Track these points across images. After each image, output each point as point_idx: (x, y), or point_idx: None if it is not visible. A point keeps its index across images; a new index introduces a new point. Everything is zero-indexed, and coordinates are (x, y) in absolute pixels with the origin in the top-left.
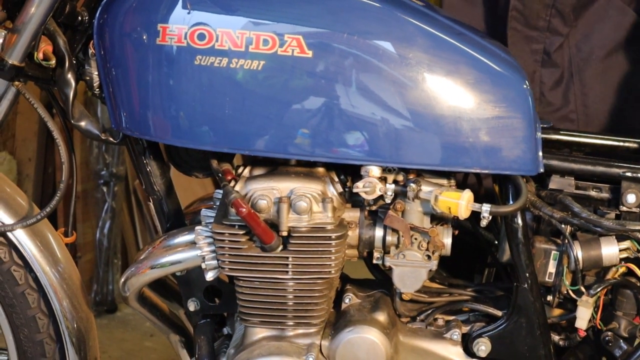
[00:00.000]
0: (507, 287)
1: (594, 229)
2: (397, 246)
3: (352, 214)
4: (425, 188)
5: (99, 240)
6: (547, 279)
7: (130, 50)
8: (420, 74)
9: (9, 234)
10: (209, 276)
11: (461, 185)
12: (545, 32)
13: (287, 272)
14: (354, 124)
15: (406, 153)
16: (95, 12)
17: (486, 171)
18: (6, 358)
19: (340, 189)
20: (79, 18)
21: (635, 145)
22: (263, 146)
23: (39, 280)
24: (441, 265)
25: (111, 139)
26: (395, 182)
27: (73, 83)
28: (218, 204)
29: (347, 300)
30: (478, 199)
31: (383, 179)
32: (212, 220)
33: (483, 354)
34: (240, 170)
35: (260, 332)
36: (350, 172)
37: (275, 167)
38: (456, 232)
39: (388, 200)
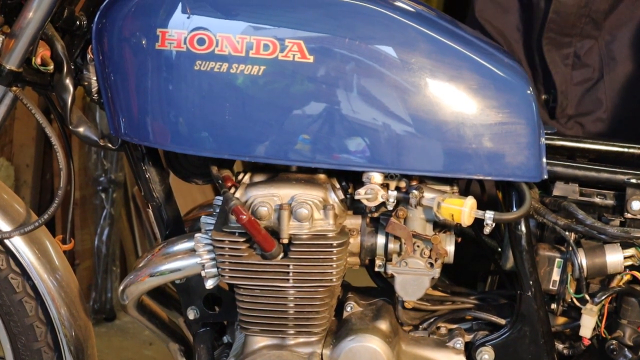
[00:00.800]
0: (510, 295)
1: (599, 236)
2: (399, 254)
3: (353, 221)
4: (428, 195)
5: (97, 247)
6: (551, 287)
7: (129, 55)
8: (422, 79)
9: (6, 241)
10: (209, 284)
11: (464, 192)
12: (577, 37)
13: (288, 280)
14: (355, 130)
15: (408, 159)
16: (93, 17)
17: (489, 178)
18: None
19: (342, 196)
20: (77, 23)
21: None
22: (263, 152)
23: (37, 288)
24: (444, 273)
25: (110, 145)
26: (397, 188)
27: (71, 88)
28: (218, 211)
29: (348, 309)
30: (481, 205)
31: (385, 186)
32: (211, 228)
33: None
34: (240, 176)
35: (260, 341)
36: (351, 179)
37: (275, 173)
38: (459, 240)
39: (390, 207)
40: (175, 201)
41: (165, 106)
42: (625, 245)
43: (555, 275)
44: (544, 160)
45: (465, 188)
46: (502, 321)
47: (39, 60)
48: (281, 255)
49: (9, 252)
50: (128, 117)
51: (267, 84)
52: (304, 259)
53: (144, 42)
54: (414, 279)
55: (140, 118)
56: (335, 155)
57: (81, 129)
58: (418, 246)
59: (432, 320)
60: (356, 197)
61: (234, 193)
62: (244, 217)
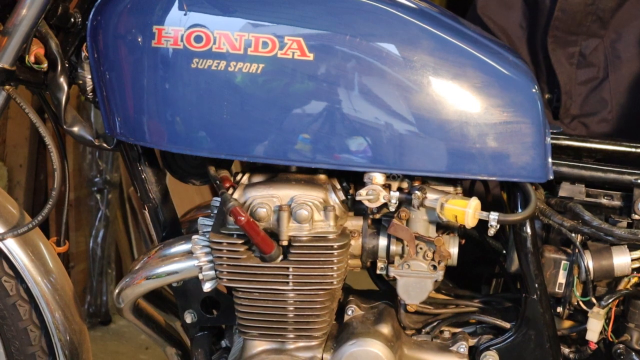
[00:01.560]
0: (515, 298)
1: (605, 238)
2: (401, 256)
3: (354, 223)
4: (431, 196)
5: (92, 249)
6: (556, 290)
7: (124, 53)
8: (425, 77)
9: None
10: (207, 287)
11: (468, 193)
12: (583, 36)
13: (287, 282)
14: (356, 129)
15: (411, 159)
16: (88, 14)
17: (494, 178)
18: None
19: (343, 197)
20: (72, 20)
21: None
22: (262, 152)
23: (31, 291)
24: (447, 276)
25: (105, 144)
26: (399, 189)
27: (65, 87)
28: (216, 212)
29: (349, 312)
30: (485, 207)
31: (387, 187)
32: (209, 229)
33: None
34: (238, 177)
35: (259, 345)
36: (352, 179)
37: (275, 174)
38: (463, 242)
39: (392, 209)
40: (172, 202)
41: (162, 105)
42: (632, 247)
43: (561, 278)
44: (550, 160)
45: (469, 189)
46: (507, 325)
47: (32, 59)
48: (280, 257)
49: (2, 255)
50: (124, 117)
51: (266, 82)
52: (304, 262)
53: (139, 39)
54: (416, 281)
55: (136, 117)
56: (336, 155)
57: (76, 129)
58: (421, 248)
59: (435, 323)
60: (357, 198)
61: (232, 194)
62: (243, 218)
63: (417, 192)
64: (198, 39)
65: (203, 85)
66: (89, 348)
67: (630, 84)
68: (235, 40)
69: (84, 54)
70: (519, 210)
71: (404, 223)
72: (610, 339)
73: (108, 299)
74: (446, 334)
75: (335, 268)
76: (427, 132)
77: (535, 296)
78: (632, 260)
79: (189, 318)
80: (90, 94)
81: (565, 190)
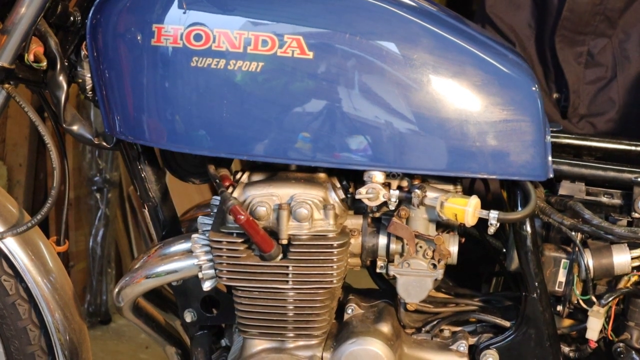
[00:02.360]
0: (515, 297)
1: (606, 237)
2: (401, 254)
3: (354, 221)
4: (431, 194)
5: (92, 248)
6: (557, 288)
7: (124, 52)
8: (425, 75)
9: None
10: (206, 286)
11: (468, 191)
12: (591, 35)
13: (287, 281)
14: (356, 127)
15: (411, 158)
16: (87, 13)
17: (494, 176)
18: None
19: (343, 196)
20: (71, 18)
21: None
22: (262, 151)
23: (30, 291)
24: (447, 275)
25: (104, 143)
26: (399, 188)
27: (65, 86)
28: (215, 211)
29: (349, 311)
30: (485, 205)
31: (387, 185)
32: (209, 228)
33: None
34: (238, 176)
35: (259, 344)
36: (352, 178)
37: (274, 172)
38: (463, 240)
39: (392, 207)
40: (172, 201)
41: (162, 104)
42: (632, 245)
43: (561, 277)
44: (550, 158)
45: (469, 187)
46: (507, 323)
47: (31, 57)
48: (280, 256)
49: (1, 254)
50: (123, 115)
51: (265, 80)
52: (304, 260)
53: (139, 38)
54: (416, 280)
55: (136, 116)
56: (336, 154)
57: (75, 128)
58: (421, 247)
59: (435, 322)
60: (357, 196)
61: (232, 193)
62: (242, 217)
63: (417, 190)
64: (197, 37)
65: (202, 83)
66: (89, 347)
67: (638, 85)
68: (234, 38)
69: (83, 52)
70: (519, 208)
71: (403, 222)
72: (611, 338)
73: (108, 298)
74: (446, 333)
75: (335, 267)
76: (427, 131)
77: (535, 295)
78: (632, 258)
79: (188, 317)
80: (90, 92)
81: (565, 188)
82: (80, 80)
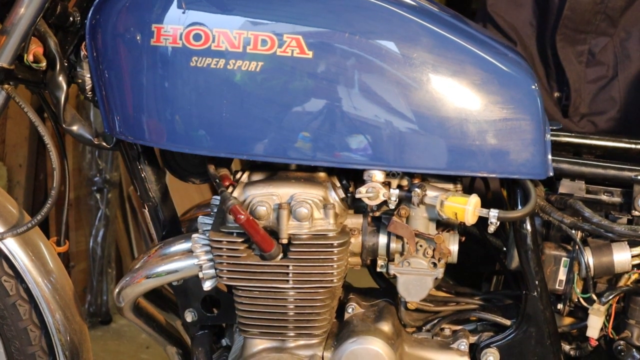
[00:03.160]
0: (516, 295)
1: (606, 235)
2: (401, 253)
3: (354, 221)
4: (431, 193)
5: (92, 249)
6: (557, 287)
7: (123, 52)
8: (424, 74)
9: None
10: (207, 286)
11: (468, 190)
12: (592, 34)
13: (287, 281)
14: (356, 127)
15: (410, 157)
16: (87, 13)
17: (494, 175)
18: None
19: (343, 195)
20: (71, 19)
21: None
22: (262, 150)
23: (31, 291)
24: (447, 273)
25: (104, 143)
26: (399, 187)
27: (64, 86)
28: (215, 210)
29: (350, 310)
30: (485, 204)
31: (387, 184)
32: (209, 228)
33: None
34: (238, 175)
35: (260, 344)
36: (352, 177)
37: (274, 172)
38: (463, 239)
39: (392, 206)
40: (172, 201)
41: (161, 104)
42: (633, 243)
43: (562, 275)
44: (550, 157)
45: (469, 186)
46: (508, 322)
47: (31, 57)
48: (280, 255)
49: (1, 254)
50: (123, 115)
51: (265, 80)
52: (304, 260)
53: (138, 38)
54: (416, 279)
55: (136, 116)
56: (336, 153)
57: (75, 128)
58: (421, 246)
59: (435, 321)
60: (357, 195)
61: (232, 192)
62: (242, 217)
63: (416, 189)
64: (197, 37)
65: (202, 83)
66: (90, 348)
67: (639, 83)
68: (234, 38)
69: (82, 52)
70: (519, 207)
71: (403, 220)
72: (611, 336)
73: (108, 298)
74: (447, 332)
75: (335, 266)
76: (427, 130)
77: (535, 293)
78: (633, 256)
79: (189, 317)
80: (90, 93)
81: (565, 187)
82: (79, 81)
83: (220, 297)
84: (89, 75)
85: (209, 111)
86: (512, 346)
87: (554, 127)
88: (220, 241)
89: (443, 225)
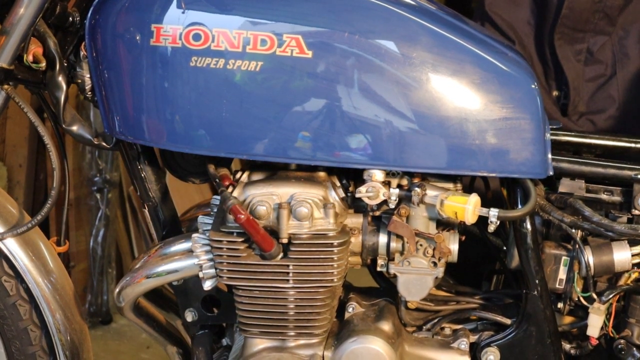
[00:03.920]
0: (516, 295)
1: (606, 234)
2: (401, 253)
3: (354, 220)
4: (431, 192)
5: (92, 248)
6: (557, 286)
7: (123, 52)
8: (424, 74)
9: None
10: (207, 285)
11: (468, 189)
12: (590, 33)
13: (287, 280)
14: (356, 126)
15: (410, 156)
16: (86, 13)
17: (493, 174)
18: None
19: (343, 194)
20: (70, 19)
21: None
22: (262, 150)
23: (31, 291)
24: (448, 273)
25: (104, 144)
26: (399, 186)
27: (64, 86)
28: (215, 210)
29: (350, 310)
30: (485, 203)
31: (387, 184)
32: (209, 228)
33: None
34: (238, 175)
35: (260, 343)
36: (352, 177)
37: (274, 172)
38: (463, 238)
39: (392, 206)
40: (172, 201)
41: (161, 104)
42: (633, 242)
43: (562, 274)
44: (549, 156)
45: (468, 185)
46: (508, 321)
47: (30, 58)
48: (280, 255)
49: (1, 254)
50: (123, 115)
51: (264, 80)
52: (304, 259)
53: (138, 38)
54: (417, 278)
55: (135, 116)
56: (336, 153)
57: (75, 128)
58: (421, 245)
59: (436, 320)
60: (357, 195)
61: (232, 192)
62: (242, 216)
63: (416, 189)
64: (196, 37)
65: (202, 83)
66: (90, 347)
67: (638, 82)
68: (233, 38)
69: (82, 53)
70: (519, 206)
71: (404, 220)
72: (611, 335)
73: (109, 298)
74: (447, 331)
75: (335, 265)
76: (427, 129)
77: (535, 292)
78: (633, 255)
79: (189, 317)
80: (89, 93)
81: (565, 186)
82: (79, 81)
83: (221, 296)
84: (88, 76)
85: (209, 111)
86: (512, 345)
87: (554, 126)
88: (221, 241)
89: (443, 224)
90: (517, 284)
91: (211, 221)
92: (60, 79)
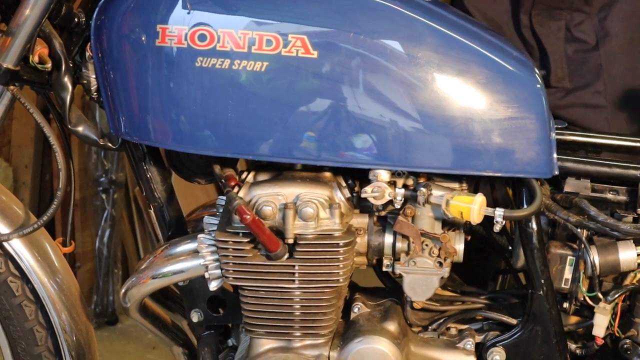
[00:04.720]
0: (521, 294)
1: (611, 233)
2: (407, 253)
3: (360, 220)
4: (436, 192)
5: (98, 249)
6: (563, 286)
7: (128, 53)
8: (429, 73)
9: (4, 244)
10: (213, 286)
11: (473, 189)
12: (567, 10)
13: (293, 281)
14: (361, 126)
15: (416, 156)
16: (92, 14)
17: (499, 174)
18: None
19: (348, 194)
20: (76, 20)
21: None
22: (267, 150)
23: (37, 292)
24: (453, 272)
25: (110, 144)
26: (404, 186)
27: (70, 87)
28: (221, 211)
29: (356, 310)
30: (491, 203)
31: (392, 184)
32: (215, 228)
33: None
34: (244, 175)
35: (266, 344)
36: (358, 177)
37: (280, 172)
38: (468, 238)
39: (398, 206)
40: (178, 201)
41: (167, 104)
42: (638, 242)
43: (568, 274)
44: (555, 155)
45: (474, 185)
46: (514, 321)
47: (36, 58)
48: (286, 255)
49: (7, 255)
50: (128, 116)
51: (270, 80)
52: (310, 259)
53: (143, 38)
54: (422, 278)
55: (141, 116)
56: (341, 153)
57: (80, 129)
58: (427, 245)
59: (441, 320)
60: (363, 195)
61: (238, 192)
62: (248, 217)
63: (422, 188)
64: (202, 37)
65: (207, 83)
66: (96, 348)
67: (620, 55)
68: (239, 38)
69: (88, 53)
70: (525, 206)
71: (409, 220)
72: (617, 334)
73: (114, 298)
74: (453, 331)
75: (341, 266)
76: (432, 129)
77: (541, 292)
78: (638, 255)
79: (195, 317)
80: (95, 93)
81: (570, 185)
82: (85, 82)
83: (226, 297)
84: (94, 76)
85: (215, 111)
86: (518, 345)
87: (559, 126)
88: (226, 241)
89: (449, 224)
90: (522, 284)
91: (217, 222)
92: (66, 79)
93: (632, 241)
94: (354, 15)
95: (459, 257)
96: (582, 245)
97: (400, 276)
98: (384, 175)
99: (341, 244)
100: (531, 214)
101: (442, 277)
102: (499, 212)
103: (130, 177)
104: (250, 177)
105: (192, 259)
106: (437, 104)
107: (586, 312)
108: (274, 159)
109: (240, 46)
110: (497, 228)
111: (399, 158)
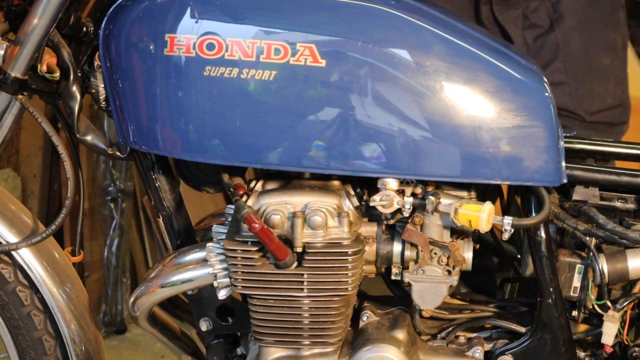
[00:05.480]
0: (530, 303)
1: (620, 241)
2: (416, 261)
3: (369, 229)
4: (445, 201)
5: (107, 258)
6: (571, 294)
7: (137, 62)
8: (438, 82)
9: (13, 253)
10: (222, 294)
11: (482, 197)
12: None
13: (302, 289)
14: (370, 135)
15: (424, 165)
16: (100, 23)
17: (507, 182)
18: None
19: (357, 203)
20: (84, 29)
21: None
22: (276, 159)
23: (45, 301)
24: (462, 281)
25: (118, 153)
26: (413, 194)
27: (78, 96)
28: (230, 219)
29: (365, 318)
30: (499, 211)
31: (401, 192)
32: (223, 237)
33: None
34: (252, 184)
35: (275, 352)
36: (366, 185)
37: (288, 180)
38: (477, 246)
39: (406, 214)
40: (186, 210)
41: (175, 113)
42: None
43: (576, 282)
44: (563, 164)
45: (482, 193)
46: (522, 329)
47: (44, 68)
48: (295, 264)
49: (16, 265)
50: (137, 125)
51: (278, 89)
52: (319, 268)
53: (152, 47)
54: (431, 287)
55: (149, 126)
56: (350, 162)
57: (89, 138)
58: (435, 253)
59: (450, 329)
60: (371, 203)
61: (246, 201)
62: (257, 225)
63: (430, 197)
64: (210, 46)
65: (216, 92)
66: (105, 357)
67: (575, 34)
68: (247, 47)
69: (96, 62)
70: (533, 214)
71: (418, 228)
72: (626, 342)
73: (123, 307)
74: (461, 339)
75: (349, 274)
76: (441, 137)
77: (550, 300)
78: None
79: (204, 326)
80: (103, 102)
81: (579, 193)
82: (93, 91)
83: (235, 306)
84: (102, 86)
85: (223, 120)
86: (527, 353)
87: (568, 134)
88: (235, 250)
89: (457, 232)
90: (531, 292)
91: (225, 230)
92: (75, 89)
93: None
94: (362, 24)
95: (468, 265)
96: (591, 254)
97: (409, 284)
98: (392, 183)
99: (350, 252)
100: (540, 222)
101: (450, 286)
102: (507, 221)
103: (139, 186)
104: (258, 186)
105: (201, 268)
106: (446, 112)
107: (595, 320)
108: (283, 167)
109: (248, 55)
110: (505, 236)
111: (407, 167)
